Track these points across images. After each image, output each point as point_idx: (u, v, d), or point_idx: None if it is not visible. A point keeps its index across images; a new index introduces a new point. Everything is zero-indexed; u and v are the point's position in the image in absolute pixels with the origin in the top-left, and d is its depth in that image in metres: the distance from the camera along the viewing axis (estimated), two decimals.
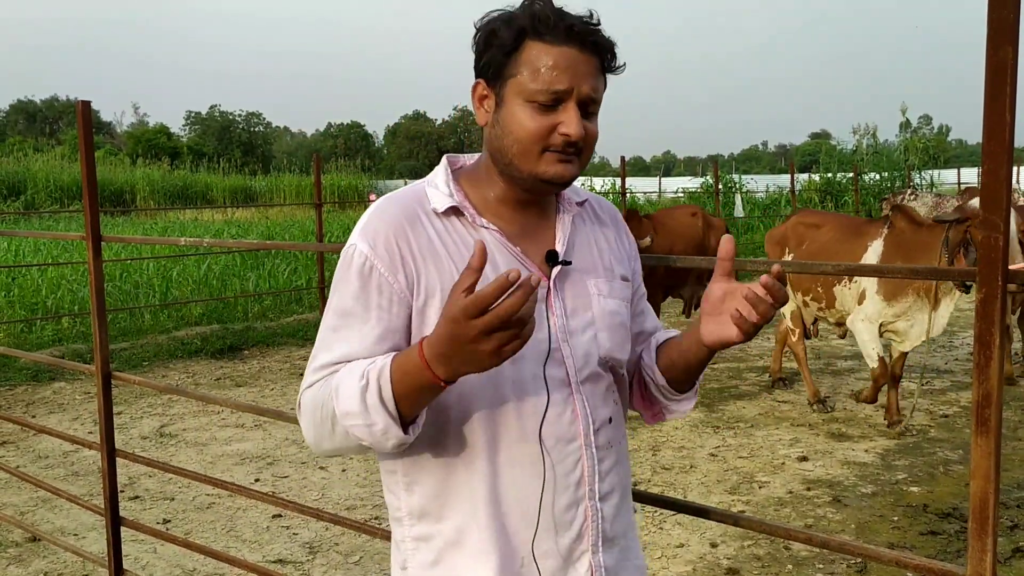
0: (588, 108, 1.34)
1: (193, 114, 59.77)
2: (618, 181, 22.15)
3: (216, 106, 59.13)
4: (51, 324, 9.43)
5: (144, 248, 12.45)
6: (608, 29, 1.36)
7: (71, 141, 40.41)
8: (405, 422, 1.27)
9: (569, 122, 1.31)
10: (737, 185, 23.15)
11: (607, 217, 1.55)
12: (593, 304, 1.42)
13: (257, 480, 5.15)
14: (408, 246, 1.33)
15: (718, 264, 1.35)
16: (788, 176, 18.78)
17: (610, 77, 1.38)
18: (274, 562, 3.99)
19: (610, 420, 1.42)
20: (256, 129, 59.58)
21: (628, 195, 15.79)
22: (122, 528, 3.07)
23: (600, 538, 1.39)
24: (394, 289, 1.32)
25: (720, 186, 16.97)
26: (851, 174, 21.62)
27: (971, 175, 30.48)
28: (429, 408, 1.30)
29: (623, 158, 13.93)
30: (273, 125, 69.88)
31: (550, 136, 1.32)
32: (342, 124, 65.50)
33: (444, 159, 1.47)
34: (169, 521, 4.51)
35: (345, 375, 1.29)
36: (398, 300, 1.33)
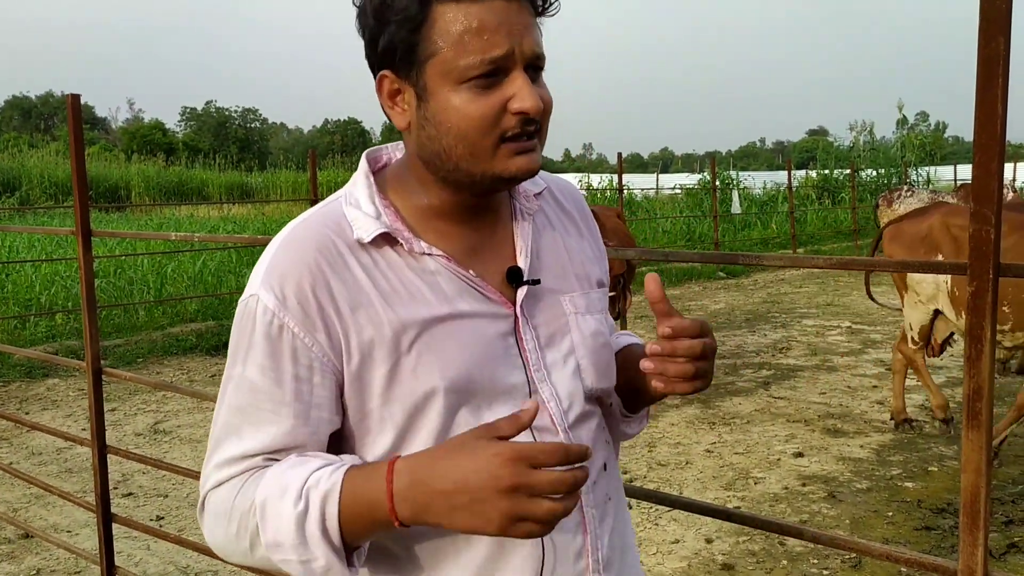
0: (533, 69, 1.04)
1: (188, 110, 59.71)
2: (615, 178, 22.17)
3: (212, 102, 59.07)
4: (45, 320, 9.41)
5: (139, 244, 12.43)
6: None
7: (66, 137, 40.22)
8: (349, 551, 1.01)
9: (521, 94, 1.01)
10: (734, 182, 23.16)
11: (572, 206, 1.27)
12: (571, 327, 1.16)
13: None
14: (329, 295, 1.04)
15: (653, 307, 1.09)
16: (785, 173, 18.78)
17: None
18: None
19: (605, 467, 1.18)
20: (252, 125, 59.50)
21: (625, 192, 15.78)
22: (115, 525, 3.05)
23: None
24: (313, 354, 1.04)
25: (717, 183, 16.96)
26: (848, 171, 21.64)
27: (967, 172, 30.50)
28: None
29: (620, 155, 13.92)
30: (270, 121, 69.78)
31: (502, 119, 1.02)
32: (339, 120, 65.49)
33: (363, 161, 1.16)
34: (162, 518, 4.49)
35: (273, 490, 1.00)
36: (320, 367, 1.04)
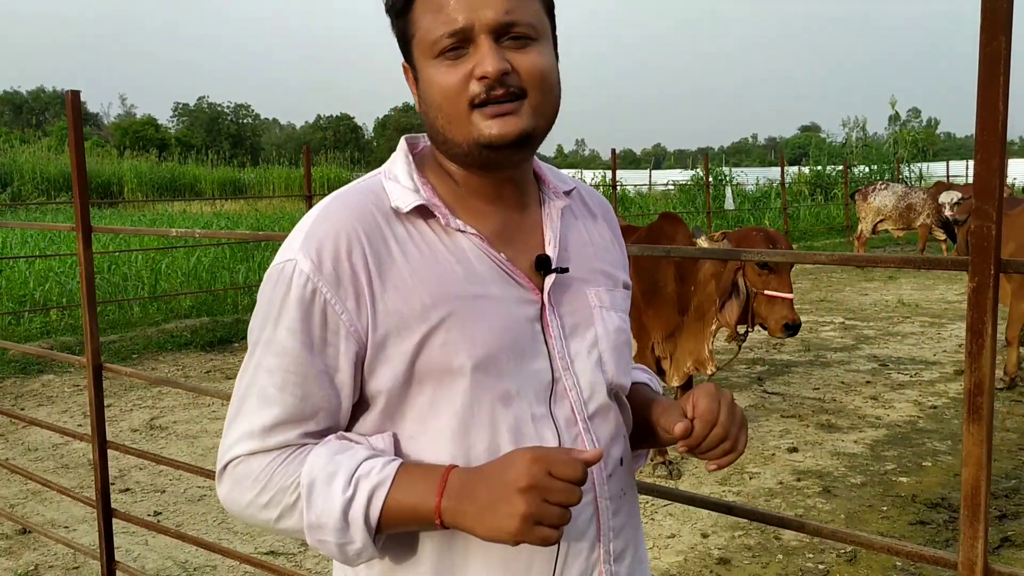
0: (510, 36, 1.06)
1: (181, 105, 59.52)
2: (608, 173, 22.15)
3: (204, 97, 58.90)
4: (39, 316, 9.38)
5: (133, 240, 12.40)
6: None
7: (58, 133, 40.09)
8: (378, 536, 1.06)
9: (481, 59, 1.04)
10: (727, 178, 23.21)
11: (599, 211, 1.30)
12: (595, 319, 1.17)
13: None
14: (364, 263, 1.06)
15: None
16: (778, 169, 18.83)
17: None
18: (266, 553, 3.99)
19: (621, 462, 1.19)
20: (245, 121, 59.33)
21: (619, 188, 15.80)
22: (114, 520, 3.06)
23: None
24: (342, 320, 1.06)
25: (710, 179, 17.01)
26: (841, 167, 21.71)
27: (959, 168, 30.65)
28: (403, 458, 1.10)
29: (614, 151, 13.94)
30: (262, 117, 69.60)
31: (469, 87, 1.05)
32: (331, 116, 65.35)
33: (403, 142, 1.20)
34: (160, 513, 4.50)
35: (321, 474, 1.04)
36: (346, 334, 1.06)
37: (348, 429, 1.14)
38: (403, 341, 1.07)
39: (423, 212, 1.11)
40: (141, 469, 5.11)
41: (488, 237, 1.13)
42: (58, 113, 62.75)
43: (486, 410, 1.08)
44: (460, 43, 1.05)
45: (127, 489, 4.84)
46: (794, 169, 26.38)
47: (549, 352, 1.12)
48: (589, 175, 25.20)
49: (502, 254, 1.12)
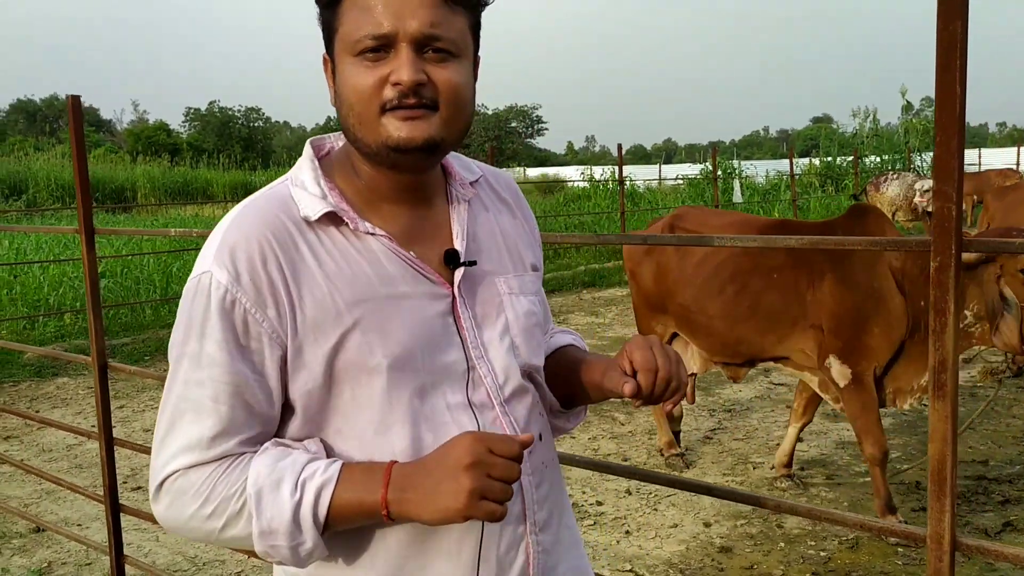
0: (431, 49, 1.09)
1: (192, 110, 59.78)
2: (617, 169, 22.14)
3: (215, 102, 59.08)
4: (53, 321, 9.50)
5: (145, 244, 12.52)
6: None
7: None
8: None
9: (398, 67, 1.07)
10: (736, 171, 23.15)
11: (507, 193, 1.33)
12: (505, 307, 1.22)
13: None
14: (279, 271, 1.08)
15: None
16: (787, 161, 18.78)
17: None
18: None
19: (540, 437, 1.24)
20: (256, 124, 59.56)
21: (627, 183, 15.81)
22: (125, 518, 3.12)
23: (541, 572, 1.22)
24: (263, 328, 1.08)
25: (719, 172, 16.98)
26: (851, 157, 21.61)
27: (972, 156, 30.42)
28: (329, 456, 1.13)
29: (620, 146, 13.95)
30: (272, 120, 69.91)
31: (383, 91, 1.08)
32: None
33: (308, 147, 1.21)
34: None
35: (266, 482, 1.06)
36: (269, 341, 1.09)
37: (276, 435, 1.16)
38: (319, 345, 1.10)
39: (332, 218, 1.13)
40: None
41: (397, 237, 1.16)
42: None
43: (405, 404, 1.12)
44: (382, 47, 1.08)
45: (139, 487, 4.91)
46: (804, 161, 26.27)
47: (463, 342, 1.17)
48: (598, 171, 25.17)
49: (411, 252, 1.16)
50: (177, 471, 1.10)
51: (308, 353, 1.10)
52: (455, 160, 1.27)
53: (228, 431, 1.10)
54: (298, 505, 1.05)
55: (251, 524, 1.08)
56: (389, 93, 1.08)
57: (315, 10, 1.18)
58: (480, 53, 1.21)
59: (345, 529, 1.11)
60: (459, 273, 1.18)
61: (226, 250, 1.09)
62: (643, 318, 4.90)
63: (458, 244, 1.20)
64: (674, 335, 4.75)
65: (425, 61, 1.09)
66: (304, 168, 1.18)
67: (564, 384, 1.32)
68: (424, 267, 1.16)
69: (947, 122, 1.30)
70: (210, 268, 1.09)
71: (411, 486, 1.05)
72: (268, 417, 1.13)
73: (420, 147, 1.10)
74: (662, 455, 5.03)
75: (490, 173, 1.34)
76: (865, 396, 3.92)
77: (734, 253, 4.27)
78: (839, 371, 3.95)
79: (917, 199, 9.52)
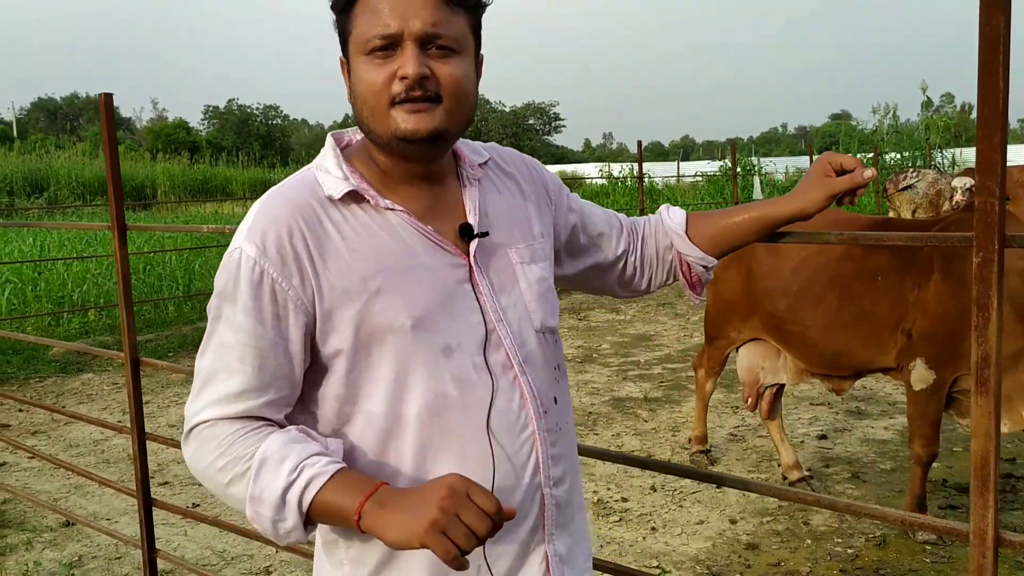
0: (435, 46, 1.20)
1: (211, 108, 60.14)
2: (636, 166, 22.05)
3: (234, 100, 59.46)
4: (77, 317, 9.60)
5: (167, 241, 12.62)
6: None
7: (92, 137, 40.77)
8: (311, 522, 1.18)
9: (404, 62, 1.18)
10: (755, 168, 23.02)
11: (513, 168, 1.44)
12: (518, 275, 1.33)
13: None
14: (304, 245, 1.19)
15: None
16: (807, 158, 18.65)
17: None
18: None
19: (556, 400, 1.34)
20: (274, 122, 59.85)
21: (646, 180, 15.77)
22: (154, 510, 3.16)
23: (555, 525, 1.32)
24: (289, 296, 1.19)
25: (738, 169, 16.89)
26: (871, 154, 21.44)
27: None
28: (359, 412, 1.23)
29: (640, 143, 13.91)
30: (291, 118, 70.20)
31: (392, 85, 1.19)
32: None
33: (329, 138, 1.33)
34: (198, 505, 4.61)
35: (274, 455, 1.16)
36: (294, 308, 1.20)
37: (313, 393, 1.26)
38: (346, 309, 1.20)
39: (355, 197, 1.24)
40: (179, 463, 5.23)
41: (415, 214, 1.26)
42: (92, 118, 63.83)
43: (429, 362, 1.22)
44: (389, 45, 1.19)
45: (166, 482, 4.96)
46: None
47: (482, 308, 1.27)
48: (616, 168, 25.12)
49: (429, 227, 1.26)
50: (207, 421, 1.22)
51: (336, 318, 1.20)
52: (463, 145, 1.38)
53: (253, 389, 1.21)
54: (289, 485, 1.14)
55: (248, 487, 1.17)
56: (397, 87, 1.19)
57: (331, 14, 1.28)
58: (482, 52, 1.32)
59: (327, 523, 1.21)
60: (474, 244, 1.28)
61: (257, 229, 1.20)
62: (720, 325, 4.63)
63: (471, 219, 1.30)
64: (746, 341, 4.55)
65: (429, 57, 1.20)
66: (327, 156, 1.29)
67: (725, 241, 1.51)
68: (442, 239, 1.26)
69: (990, 117, 1.29)
70: (241, 245, 1.21)
71: (389, 504, 1.13)
72: (290, 378, 1.23)
73: (425, 138, 1.20)
74: (688, 445, 4.99)
75: (498, 154, 1.44)
76: (935, 402, 3.72)
77: (834, 257, 4.00)
78: (921, 375, 3.73)
79: (958, 197, 9.43)
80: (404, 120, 1.19)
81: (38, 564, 3.93)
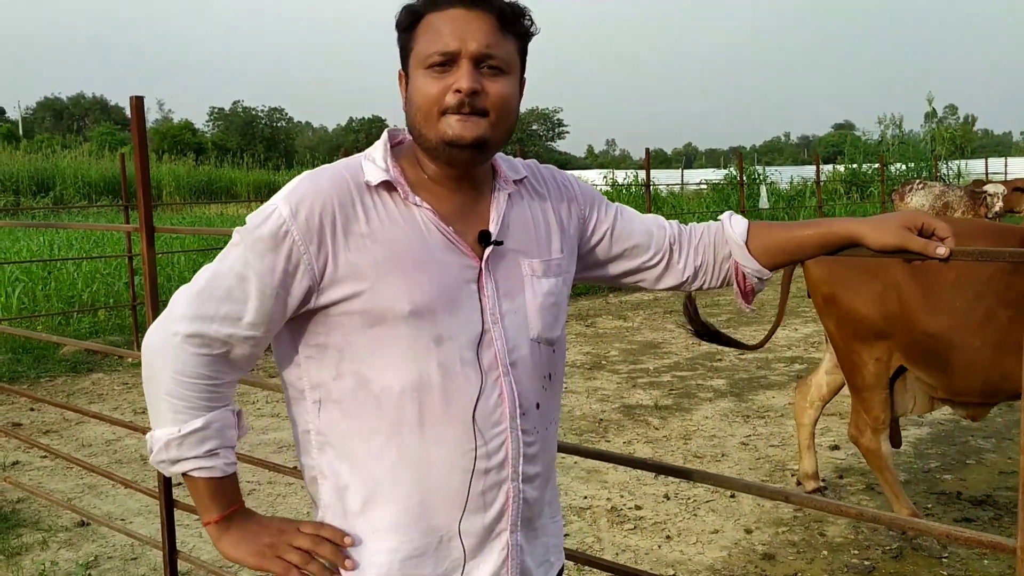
0: (487, 66, 1.33)
1: (216, 110, 60.24)
2: (640, 173, 22.05)
3: (239, 102, 59.57)
4: (88, 317, 9.61)
5: (175, 243, 12.64)
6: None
7: (98, 138, 40.81)
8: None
9: (460, 77, 1.31)
10: (761, 176, 23.05)
11: (546, 187, 1.53)
12: (525, 286, 1.42)
13: (295, 468, 5.25)
14: (331, 221, 1.32)
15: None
16: (812, 167, 18.67)
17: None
18: None
19: (538, 406, 1.43)
20: (279, 124, 59.94)
21: (651, 188, 15.76)
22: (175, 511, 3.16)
23: (519, 518, 1.42)
24: (303, 258, 1.31)
25: (744, 178, 16.91)
26: (877, 165, 21.46)
27: (998, 165, 30.14)
28: (351, 373, 1.35)
29: (648, 150, 13.93)
30: (295, 120, 70.28)
31: (446, 97, 1.32)
32: (363, 119, 65.78)
33: (385, 133, 1.46)
34: None
35: (208, 431, 1.36)
36: (305, 269, 1.32)
37: (310, 344, 1.38)
38: (357, 284, 1.32)
39: (389, 187, 1.37)
40: None
41: (442, 215, 1.38)
42: (98, 119, 63.94)
43: (419, 347, 1.33)
44: (447, 62, 1.32)
45: (179, 484, 4.96)
46: (829, 167, 26.10)
47: (482, 308, 1.37)
48: (621, 175, 25.15)
49: (450, 227, 1.37)
50: (186, 335, 1.33)
51: (333, 292, 1.32)
52: (503, 161, 1.49)
53: (245, 322, 1.33)
54: (181, 446, 1.35)
55: (170, 416, 1.35)
56: (451, 99, 1.32)
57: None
58: (526, 75, 1.45)
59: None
60: (488, 250, 1.39)
61: (296, 194, 1.33)
62: (847, 350, 3.99)
63: (492, 227, 1.41)
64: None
65: (481, 75, 1.33)
66: (378, 147, 1.41)
67: (783, 253, 1.56)
68: (459, 241, 1.37)
69: None
70: (278, 204, 1.33)
71: (234, 528, 1.40)
72: (273, 323, 1.35)
73: (470, 144, 1.33)
74: (798, 484, 4.57)
75: (537, 174, 1.54)
76: None
77: (1001, 270, 3.57)
78: None
79: (1000, 205, 9.38)
80: (452, 127, 1.32)
81: (54, 564, 3.93)
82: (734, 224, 1.60)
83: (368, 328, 1.33)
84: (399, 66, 1.43)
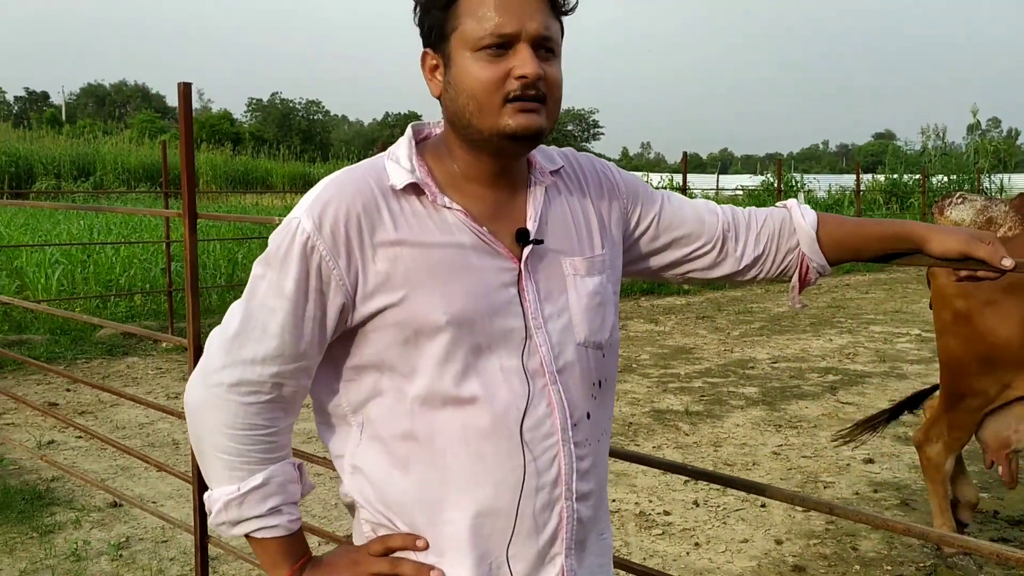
0: (543, 49, 1.22)
1: (255, 101, 60.83)
2: (675, 177, 21.95)
3: (277, 93, 60.13)
4: (124, 301, 9.75)
5: (211, 230, 12.77)
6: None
7: (138, 125, 41.39)
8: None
9: (523, 62, 1.19)
10: (799, 184, 22.81)
11: (585, 177, 1.42)
12: (568, 286, 1.31)
13: (324, 458, 5.28)
14: (357, 230, 1.22)
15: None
16: (851, 176, 18.43)
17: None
18: (344, 537, 4.09)
19: (588, 416, 1.32)
20: (315, 117, 60.39)
21: (687, 193, 15.66)
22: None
23: (574, 540, 1.30)
24: (333, 274, 1.22)
25: (782, 184, 16.73)
26: (918, 176, 21.14)
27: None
28: (391, 389, 1.27)
29: (685, 154, 13.82)
30: (332, 113, 70.75)
31: (506, 83, 1.20)
32: (399, 114, 66.09)
33: (409, 129, 1.35)
34: None
35: (270, 488, 1.30)
36: (336, 286, 1.23)
37: (342, 366, 1.30)
38: (387, 298, 1.23)
39: (416, 190, 1.26)
40: None
41: (476, 214, 1.27)
42: (139, 106, 64.84)
43: (460, 359, 1.24)
44: (503, 45, 1.20)
45: None
46: (868, 176, 25.76)
47: (524, 313, 1.27)
48: (656, 178, 25.02)
49: (484, 228, 1.27)
50: (231, 384, 1.25)
51: (373, 301, 1.23)
52: (538, 151, 1.37)
53: (287, 356, 1.25)
54: (241, 506, 1.28)
55: (226, 474, 1.28)
56: (513, 85, 1.20)
57: (412, 11, 1.29)
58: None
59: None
60: (527, 250, 1.28)
61: (319, 204, 1.23)
62: (975, 378, 3.52)
63: (530, 225, 1.30)
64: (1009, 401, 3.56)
65: (538, 59, 1.21)
66: (402, 145, 1.31)
67: (846, 248, 1.47)
68: (495, 241, 1.27)
69: None
70: (300, 216, 1.23)
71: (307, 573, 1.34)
72: (320, 349, 1.28)
73: (532, 136, 1.22)
74: (938, 551, 3.92)
75: (576, 163, 1.43)
76: None
77: None
78: None
79: None
80: (515, 119, 1.21)
81: (87, 543, 3.98)
82: (806, 214, 1.48)
83: (404, 342, 1.24)
84: (422, 47, 1.30)
